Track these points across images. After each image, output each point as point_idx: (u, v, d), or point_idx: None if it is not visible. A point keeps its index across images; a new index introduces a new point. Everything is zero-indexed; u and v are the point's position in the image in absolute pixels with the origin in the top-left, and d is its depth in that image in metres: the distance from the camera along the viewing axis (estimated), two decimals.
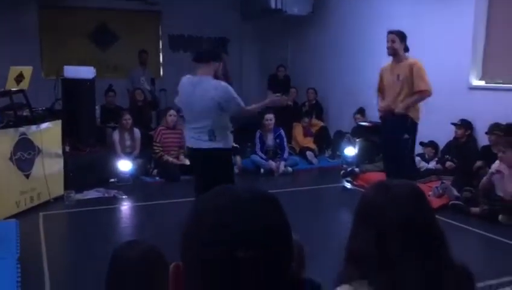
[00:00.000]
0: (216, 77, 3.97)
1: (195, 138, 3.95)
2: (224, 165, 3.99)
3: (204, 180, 3.91)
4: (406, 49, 5.10)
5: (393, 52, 5.07)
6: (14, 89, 5.14)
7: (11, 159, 5.03)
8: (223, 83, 3.89)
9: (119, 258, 1.71)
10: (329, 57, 9.02)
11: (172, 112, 7.17)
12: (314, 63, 9.44)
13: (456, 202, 5.30)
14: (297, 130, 8.48)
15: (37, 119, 5.43)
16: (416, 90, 4.98)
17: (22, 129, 5.21)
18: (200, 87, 3.84)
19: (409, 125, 5.07)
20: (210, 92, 3.79)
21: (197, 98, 3.83)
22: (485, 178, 5.16)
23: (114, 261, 1.72)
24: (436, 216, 1.40)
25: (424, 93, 5.01)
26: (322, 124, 8.77)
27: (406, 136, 5.07)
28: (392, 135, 5.20)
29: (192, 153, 4.12)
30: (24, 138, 5.23)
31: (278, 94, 4.85)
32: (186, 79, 4.03)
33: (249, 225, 0.76)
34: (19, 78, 5.13)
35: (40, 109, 5.74)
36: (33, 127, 5.36)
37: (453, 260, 1.35)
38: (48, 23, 9.25)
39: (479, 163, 5.72)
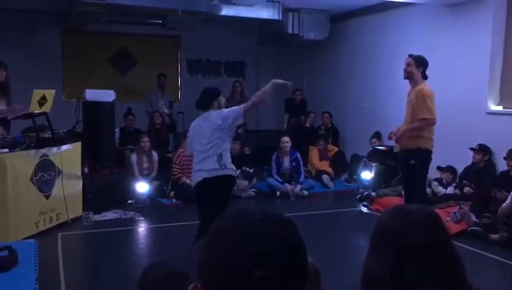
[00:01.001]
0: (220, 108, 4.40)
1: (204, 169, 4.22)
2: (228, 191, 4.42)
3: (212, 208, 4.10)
4: (424, 77, 5.00)
5: (407, 76, 5.01)
6: (36, 112, 5.26)
7: (31, 179, 5.12)
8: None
9: (147, 279, 1.74)
10: (346, 82, 9.07)
11: None
12: (330, 87, 9.50)
13: (475, 228, 5.23)
14: (313, 153, 8.49)
15: (58, 141, 5.54)
16: (418, 117, 4.89)
17: (43, 150, 5.31)
18: (206, 119, 4.29)
19: (416, 152, 4.97)
20: (213, 116, 4.26)
21: (205, 127, 4.25)
22: (504, 204, 5.09)
23: (141, 282, 1.75)
24: (455, 242, 1.40)
25: (427, 121, 4.89)
26: (336, 149, 8.75)
27: (412, 161, 4.98)
28: (402, 160, 5.19)
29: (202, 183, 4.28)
30: (45, 159, 5.33)
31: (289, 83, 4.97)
32: (195, 122, 4.44)
33: (265, 245, 0.79)
34: (42, 101, 5.25)
35: (62, 131, 5.86)
36: (54, 149, 5.46)
37: (471, 286, 1.35)
38: (70, 48, 9.50)
39: (500, 194, 5.59)
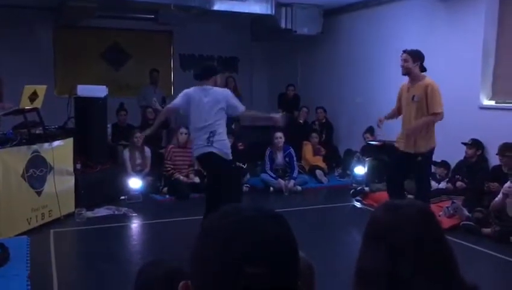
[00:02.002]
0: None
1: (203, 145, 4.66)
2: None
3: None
4: (423, 70, 5.00)
5: (406, 72, 4.99)
6: (28, 108, 5.21)
7: (23, 176, 5.08)
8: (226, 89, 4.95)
9: (144, 278, 1.72)
10: (339, 77, 9.06)
11: (183, 130, 7.21)
12: (323, 82, 9.49)
13: (467, 222, 5.26)
14: (307, 148, 8.49)
15: (49, 137, 5.50)
16: (431, 112, 4.91)
17: (35, 147, 5.27)
18: (208, 95, 4.67)
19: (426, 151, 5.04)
20: (218, 96, 4.67)
21: (207, 103, 4.64)
22: (496, 199, 5.12)
23: (139, 280, 1.72)
24: (447, 237, 1.39)
25: (437, 116, 4.94)
26: (324, 151, 8.65)
27: (419, 158, 5.00)
28: (403, 157, 5.16)
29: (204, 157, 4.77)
30: (36, 155, 5.28)
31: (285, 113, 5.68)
32: (193, 90, 4.81)
33: (256, 242, 0.78)
34: (33, 96, 5.21)
35: (53, 127, 5.82)
36: (45, 145, 5.42)
37: (464, 281, 1.35)
38: (62, 43, 9.42)
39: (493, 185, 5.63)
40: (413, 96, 4.98)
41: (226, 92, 4.86)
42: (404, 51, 5.02)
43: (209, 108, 4.63)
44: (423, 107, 4.93)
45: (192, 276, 0.82)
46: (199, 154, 4.75)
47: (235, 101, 4.78)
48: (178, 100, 4.91)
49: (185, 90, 4.88)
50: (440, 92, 4.94)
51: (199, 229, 0.87)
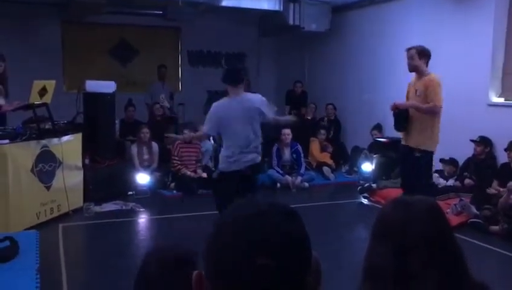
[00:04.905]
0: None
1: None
2: None
3: None
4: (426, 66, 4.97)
5: (412, 69, 4.98)
6: (37, 103, 5.25)
7: (32, 170, 5.12)
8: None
9: (150, 262, 1.70)
10: (347, 73, 9.04)
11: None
12: (331, 79, 9.47)
13: (475, 220, 5.23)
14: (314, 145, 8.48)
15: (58, 132, 5.54)
16: (430, 102, 4.86)
17: (44, 141, 5.31)
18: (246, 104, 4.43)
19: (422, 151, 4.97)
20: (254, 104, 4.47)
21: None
22: (504, 196, 5.09)
23: (146, 264, 1.70)
24: (455, 234, 1.39)
25: (435, 108, 4.86)
26: (331, 149, 8.64)
27: (417, 154, 4.96)
28: (406, 151, 5.16)
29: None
30: (46, 150, 5.33)
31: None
32: (225, 102, 4.45)
33: (269, 234, 0.80)
34: (42, 91, 5.24)
35: (62, 122, 5.85)
36: (55, 140, 5.46)
37: (472, 278, 1.35)
38: (70, 39, 9.46)
39: (494, 186, 5.60)
40: (416, 90, 4.97)
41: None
42: (409, 48, 4.96)
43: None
44: (424, 101, 4.88)
45: (205, 266, 0.84)
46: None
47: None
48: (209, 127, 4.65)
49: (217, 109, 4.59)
50: (441, 87, 4.86)
51: (207, 224, 0.88)
